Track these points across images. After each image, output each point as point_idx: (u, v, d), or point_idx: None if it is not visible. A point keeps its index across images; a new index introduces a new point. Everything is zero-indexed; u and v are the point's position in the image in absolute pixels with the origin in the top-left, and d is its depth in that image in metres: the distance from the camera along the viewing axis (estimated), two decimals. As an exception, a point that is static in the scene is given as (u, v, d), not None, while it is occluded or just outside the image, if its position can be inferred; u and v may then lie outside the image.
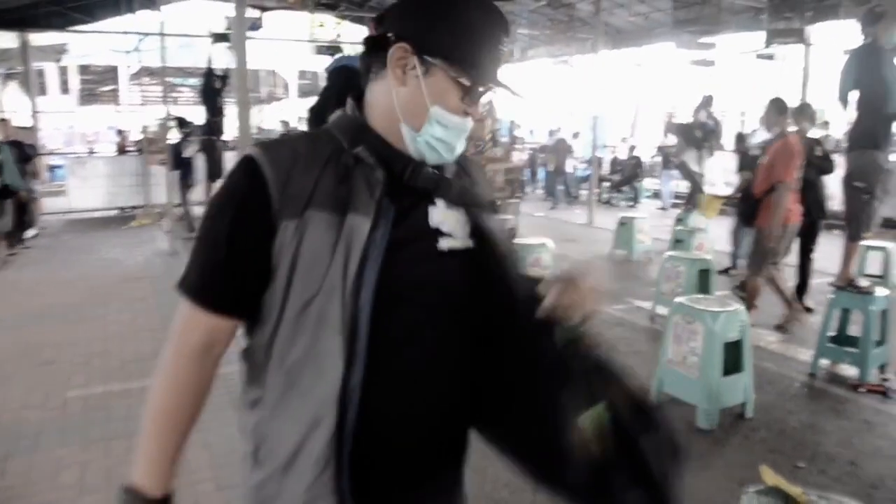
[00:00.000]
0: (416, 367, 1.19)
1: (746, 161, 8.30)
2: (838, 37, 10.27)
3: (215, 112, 10.43)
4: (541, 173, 17.32)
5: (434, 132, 1.17)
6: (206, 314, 1.15)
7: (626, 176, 16.26)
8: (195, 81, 18.78)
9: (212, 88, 10.29)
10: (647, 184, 16.67)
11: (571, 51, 14.00)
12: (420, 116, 1.17)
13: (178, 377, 1.18)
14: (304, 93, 20.51)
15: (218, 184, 9.49)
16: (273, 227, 1.10)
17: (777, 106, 5.83)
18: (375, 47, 1.19)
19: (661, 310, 6.44)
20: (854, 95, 4.88)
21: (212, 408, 4.27)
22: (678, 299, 4.54)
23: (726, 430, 4.10)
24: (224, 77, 10.29)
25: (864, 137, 4.84)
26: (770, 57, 10.64)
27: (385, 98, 1.19)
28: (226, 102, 10.50)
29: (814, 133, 6.61)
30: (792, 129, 5.91)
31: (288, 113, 18.59)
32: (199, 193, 10.67)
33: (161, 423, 1.19)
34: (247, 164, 1.12)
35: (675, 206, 14.67)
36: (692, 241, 8.22)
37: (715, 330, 4.09)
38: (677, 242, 8.43)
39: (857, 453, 3.83)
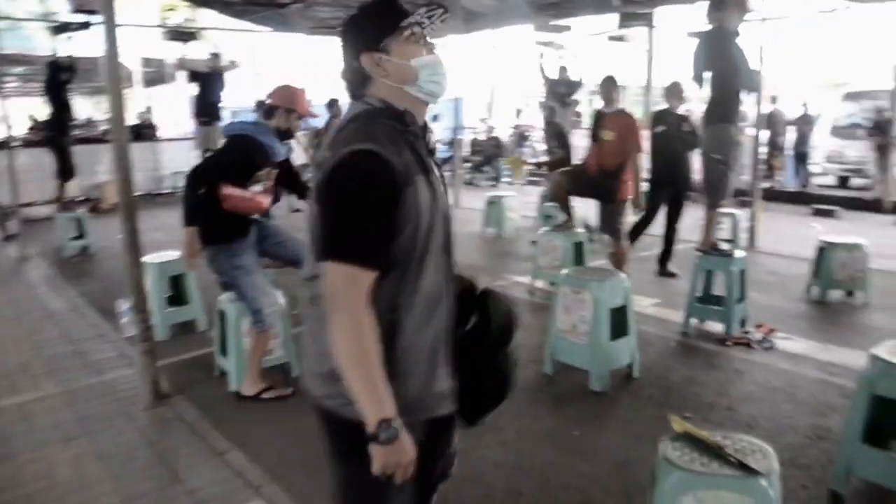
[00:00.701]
0: (452, 272, 1.73)
1: (562, 138, 8.72)
2: (681, 19, 11.10)
3: (62, 107, 9.68)
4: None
5: (427, 74, 1.65)
6: (367, 272, 1.50)
7: (487, 156, 16.69)
8: (22, 70, 17.33)
9: (57, 82, 9.53)
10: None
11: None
12: (412, 74, 1.64)
13: (363, 323, 1.49)
14: (148, 81, 19.38)
15: (71, 183, 8.74)
16: (400, 195, 1.52)
17: (612, 82, 6.29)
18: (356, 79, 1.68)
19: (540, 283, 6.75)
20: (707, 75, 5.29)
21: (100, 417, 4.03)
22: (565, 271, 4.78)
23: (617, 391, 4.39)
24: (71, 68, 9.56)
25: (719, 113, 5.27)
26: (621, 39, 11.28)
27: (388, 89, 1.65)
28: (72, 96, 9.78)
29: (681, 109, 7.11)
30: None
31: (133, 103, 17.55)
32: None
33: (368, 363, 1.48)
34: (375, 156, 1.51)
35: (530, 182, 15.29)
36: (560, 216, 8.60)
37: (602, 298, 4.35)
38: (546, 218, 8.77)
39: (732, 400, 4.23)
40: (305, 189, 4.45)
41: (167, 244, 6.06)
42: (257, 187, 4.11)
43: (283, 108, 4.15)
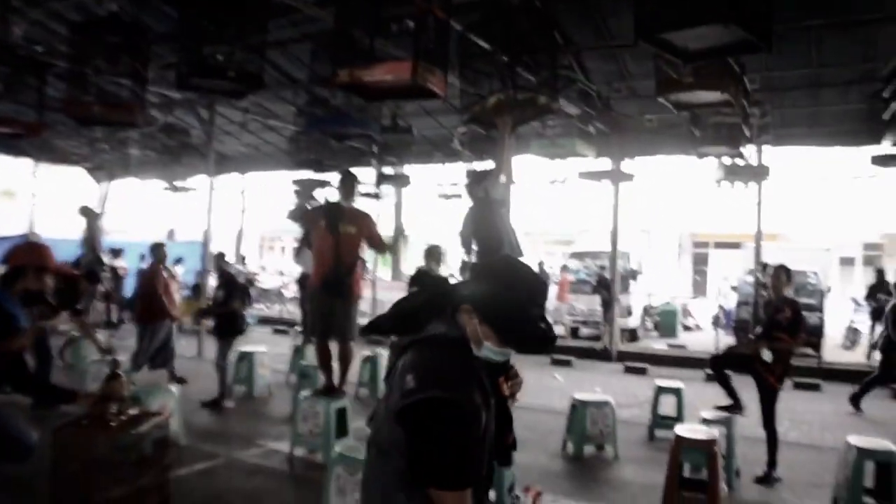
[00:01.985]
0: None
1: (230, 287, 8.65)
2: (431, 178, 11.83)
3: None
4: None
5: (487, 353, 2.00)
6: (469, 492, 1.88)
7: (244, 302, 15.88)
8: None
9: None
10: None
11: (182, 174, 13.59)
12: (482, 344, 1.99)
13: None
14: None
15: None
16: (482, 428, 1.93)
17: (355, 179, 6.45)
18: (447, 305, 2.07)
19: (300, 451, 6.22)
20: (474, 244, 5.43)
21: None
22: (339, 449, 4.40)
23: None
24: None
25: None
26: (377, 196, 11.63)
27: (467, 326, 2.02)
28: None
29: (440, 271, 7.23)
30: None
31: None
32: None
33: None
34: (463, 403, 1.87)
35: (278, 332, 14.76)
36: (318, 375, 8.12)
37: (380, 478, 4.01)
38: (303, 378, 8.24)
39: (515, 583, 4.03)
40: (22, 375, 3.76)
41: None
42: None
43: (31, 268, 3.54)
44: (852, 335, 14.37)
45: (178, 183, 13.81)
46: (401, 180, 11.07)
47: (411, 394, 1.88)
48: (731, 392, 6.23)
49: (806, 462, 6.46)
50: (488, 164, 5.75)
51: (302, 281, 10.83)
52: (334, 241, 6.02)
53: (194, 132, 11.79)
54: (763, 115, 8.44)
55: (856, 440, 5.17)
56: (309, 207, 7.44)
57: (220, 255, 9.61)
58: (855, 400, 9.07)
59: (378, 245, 6.35)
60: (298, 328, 12.01)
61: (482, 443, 1.94)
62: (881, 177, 15.73)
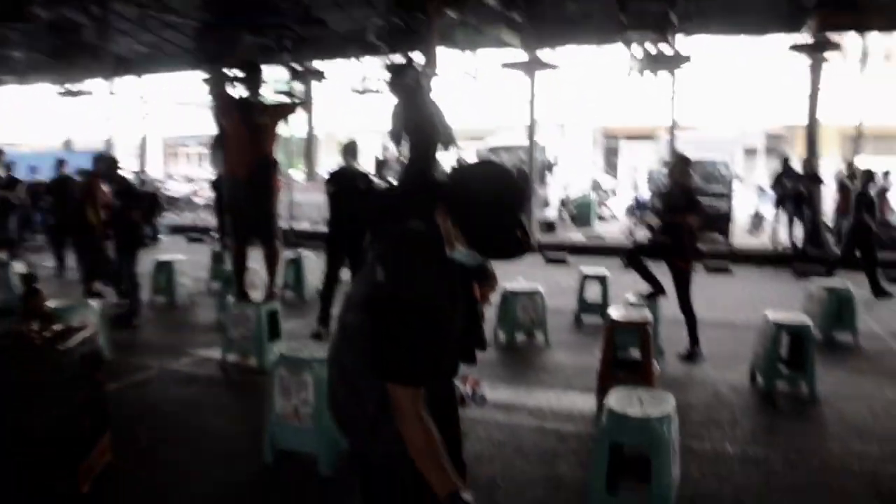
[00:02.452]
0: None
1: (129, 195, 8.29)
2: (343, 74, 11.48)
3: None
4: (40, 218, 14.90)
5: (459, 256, 1.93)
6: (421, 389, 1.88)
7: (145, 212, 15.22)
8: None
9: None
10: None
11: (76, 78, 12.55)
12: (452, 245, 1.92)
13: (427, 425, 1.86)
14: None
15: None
16: (447, 330, 1.96)
17: (259, 70, 6.49)
18: (429, 194, 2.00)
19: (232, 357, 6.11)
20: (405, 137, 5.26)
21: None
22: (281, 351, 4.33)
23: (347, 473, 4.04)
24: None
25: (416, 173, 5.26)
26: (289, 93, 11.14)
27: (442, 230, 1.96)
28: None
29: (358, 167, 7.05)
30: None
31: None
32: None
33: (437, 452, 1.84)
34: (433, 302, 1.88)
35: (193, 240, 14.29)
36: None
37: (323, 376, 3.98)
38: (225, 284, 7.97)
39: (468, 461, 4.10)
40: None
41: None
42: None
43: None
44: (757, 221, 15.10)
45: (72, 87, 12.78)
46: (314, 76, 10.61)
47: (379, 287, 1.91)
48: (649, 278, 6.43)
49: (723, 339, 6.83)
50: (406, 58, 5.56)
51: (216, 184, 10.37)
52: (249, 134, 5.96)
53: (86, 32, 10.83)
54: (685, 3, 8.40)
55: (773, 315, 5.48)
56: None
57: (112, 161, 8.60)
58: (877, 290, 8.89)
59: (292, 109, 6.68)
60: (215, 234, 11.63)
61: (444, 343, 1.96)
62: (786, 66, 16.16)
